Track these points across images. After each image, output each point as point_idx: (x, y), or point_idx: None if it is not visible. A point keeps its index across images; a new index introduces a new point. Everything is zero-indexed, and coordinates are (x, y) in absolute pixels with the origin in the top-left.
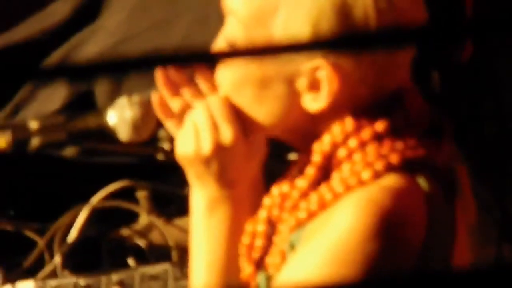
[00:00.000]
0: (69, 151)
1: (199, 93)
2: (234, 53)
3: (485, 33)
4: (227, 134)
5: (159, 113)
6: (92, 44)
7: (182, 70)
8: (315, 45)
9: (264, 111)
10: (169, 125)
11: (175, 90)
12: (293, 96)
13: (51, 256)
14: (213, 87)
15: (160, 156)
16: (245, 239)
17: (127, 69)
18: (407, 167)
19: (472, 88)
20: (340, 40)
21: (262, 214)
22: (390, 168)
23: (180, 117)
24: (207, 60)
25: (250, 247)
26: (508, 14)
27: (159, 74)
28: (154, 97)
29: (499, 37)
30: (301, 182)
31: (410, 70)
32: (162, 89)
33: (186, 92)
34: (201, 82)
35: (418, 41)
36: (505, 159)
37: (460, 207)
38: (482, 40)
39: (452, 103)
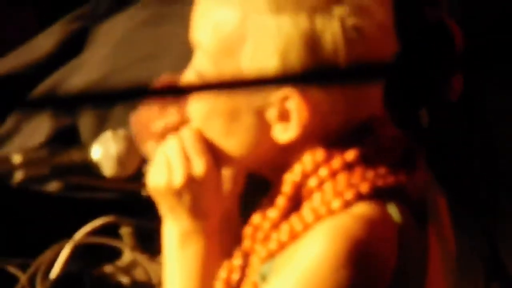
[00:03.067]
0: (53, 186)
1: (185, 117)
2: (206, 86)
3: (471, 68)
4: (199, 166)
5: (139, 132)
6: (76, 78)
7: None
8: (283, 78)
9: (234, 143)
10: (147, 145)
11: (162, 111)
12: (263, 127)
13: None
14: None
15: (145, 192)
16: (223, 273)
17: (105, 100)
18: (377, 196)
19: (462, 124)
20: (309, 74)
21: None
22: (360, 197)
23: (161, 138)
24: (179, 92)
25: (227, 282)
26: (496, 48)
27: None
28: (136, 117)
29: (484, 72)
30: (272, 213)
31: (396, 103)
32: (148, 107)
33: (171, 115)
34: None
35: (387, 75)
36: (494, 196)
37: (436, 237)
38: (471, 76)
39: (441, 139)
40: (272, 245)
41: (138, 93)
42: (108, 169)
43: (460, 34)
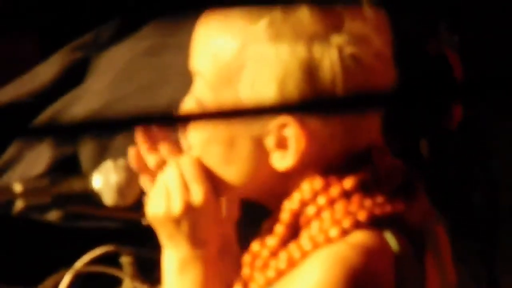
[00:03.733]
0: (53, 215)
1: (176, 151)
2: (204, 114)
3: (471, 99)
4: (197, 194)
5: (134, 166)
6: (77, 107)
7: (163, 128)
8: (281, 107)
9: (233, 171)
10: (143, 180)
11: (153, 146)
12: (262, 154)
13: None
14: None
15: (145, 221)
16: None
17: (105, 130)
18: (375, 224)
19: (461, 155)
20: (307, 103)
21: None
22: (357, 225)
23: (155, 172)
24: (178, 121)
25: None
26: (496, 78)
27: (139, 129)
28: (131, 151)
29: (484, 102)
30: (271, 241)
31: (389, 131)
32: (140, 143)
33: (163, 149)
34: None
35: (385, 105)
36: (493, 224)
37: (434, 266)
38: (471, 106)
39: (440, 170)
40: (270, 273)
41: (139, 123)
42: (109, 198)
43: (459, 65)
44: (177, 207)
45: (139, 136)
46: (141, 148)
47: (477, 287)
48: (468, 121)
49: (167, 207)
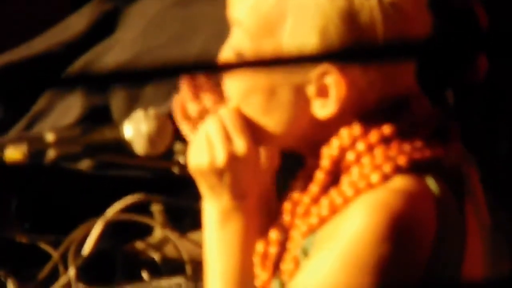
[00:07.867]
0: (85, 164)
1: (219, 101)
2: (245, 64)
3: (498, 49)
4: (240, 145)
5: (177, 114)
6: (108, 58)
7: (208, 78)
8: (323, 56)
9: (273, 120)
10: (184, 127)
11: (197, 95)
12: (302, 103)
13: (66, 269)
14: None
15: (175, 170)
16: (259, 247)
17: (139, 79)
18: (415, 169)
19: (487, 106)
20: (348, 51)
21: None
22: (398, 170)
23: (196, 121)
24: (218, 70)
25: (264, 255)
26: None
27: (184, 77)
28: (176, 99)
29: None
30: (312, 188)
31: (423, 83)
32: (184, 91)
33: (207, 98)
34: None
35: (424, 53)
36: None
37: (471, 208)
38: (496, 57)
39: (466, 121)
40: (313, 219)
41: (170, 72)
42: (139, 147)
43: (484, 16)
44: (220, 159)
45: (184, 83)
46: (184, 95)
47: (502, 236)
48: (493, 72)
49: (210, 159)
